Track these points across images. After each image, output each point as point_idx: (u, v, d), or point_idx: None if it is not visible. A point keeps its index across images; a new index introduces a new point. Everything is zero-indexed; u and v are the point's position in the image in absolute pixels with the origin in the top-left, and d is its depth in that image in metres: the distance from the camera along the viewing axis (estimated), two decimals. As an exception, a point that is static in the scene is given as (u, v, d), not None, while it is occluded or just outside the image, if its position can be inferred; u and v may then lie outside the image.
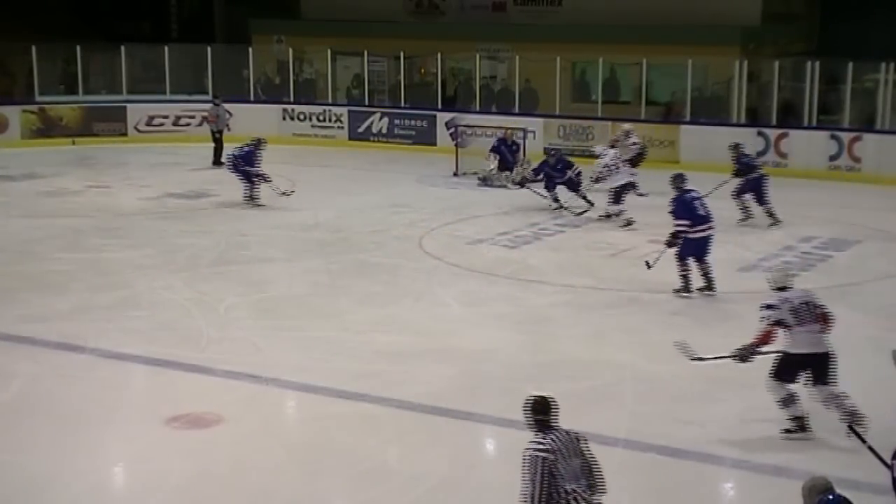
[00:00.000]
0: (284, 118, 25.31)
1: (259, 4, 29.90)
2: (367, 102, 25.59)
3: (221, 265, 13.70)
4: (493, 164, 19.50)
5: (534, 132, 22.11)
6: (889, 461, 6.84)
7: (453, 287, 12.71)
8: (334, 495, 7.59)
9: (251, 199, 17.59)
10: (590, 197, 16.82)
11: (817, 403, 8.22)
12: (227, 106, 23.32)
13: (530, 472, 5.72)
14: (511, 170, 19.38)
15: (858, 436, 7.02)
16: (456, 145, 21.45)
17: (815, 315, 8.42)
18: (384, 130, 24.55)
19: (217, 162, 21.53)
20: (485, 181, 19.49)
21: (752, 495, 7.68)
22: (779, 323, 8.33)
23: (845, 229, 15.77)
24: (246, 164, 17.58)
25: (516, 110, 23.76)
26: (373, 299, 12.14)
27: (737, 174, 16.36)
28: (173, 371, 9.83)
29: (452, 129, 22.83)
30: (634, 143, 19.18)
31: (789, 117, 21.67)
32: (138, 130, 24.72)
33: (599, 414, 8.81)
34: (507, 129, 20.07)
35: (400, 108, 25.06)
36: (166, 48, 25.52)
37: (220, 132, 21.76)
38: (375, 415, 8.86)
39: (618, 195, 16.23)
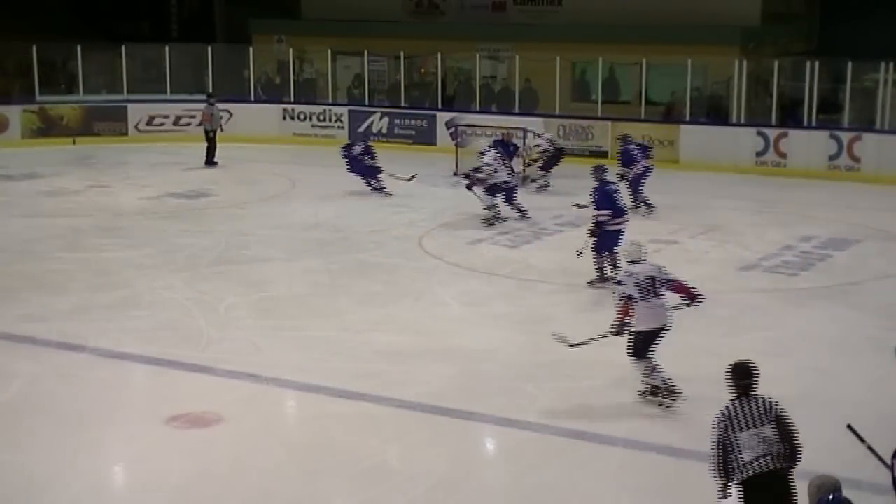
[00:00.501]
0: (284, 118, 25.32)
1: (259, 4, 29.91)
2: (367, 102, 25.59)
3: (221, 265, 13.71)
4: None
5: (534, 132, 22.08)
6: (889, 461, 6.83)
7: (453, 287, 12.71)
8: (334, 495, 7.59)
9: (381, 190, 18.41)
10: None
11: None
12: (227, 106, 23.38)
13: (711, 440, 6.33)
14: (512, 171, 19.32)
15: (857, 435, 7.01)
16: (456, 145, 21.46)
17: (659, 290, 8.96)
18: (384, 130, 24.56)
19: (210, 162, 21.53)
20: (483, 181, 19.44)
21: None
22: (628, 298, 8.91)
23: (845, 229, 15.78)
24: (370, 159, 18.52)
25: (516, 110, 23.77)
26: (373, 299, 12.14)
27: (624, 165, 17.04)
28: (173, 371, 9.84)
29: (452, 129, 22.84)
30: (539, 146, 19.37)
31: (794, 111, 21.65)
32: (139, 130, 24.73)
33: (599, 414, 8.82)
34: (505, 129, 20.05)
35: (400, 107, 25.07)
36: (166, 48, 25.53)
37: (214, 132, 21.75)
38: (375, 415, 8.86)
39: (491, 189, 16.18)
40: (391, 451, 8.21)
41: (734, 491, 6.20)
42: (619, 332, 8.99)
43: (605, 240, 12.57)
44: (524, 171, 19.74)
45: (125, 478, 8.02)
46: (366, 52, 25.40)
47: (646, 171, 17.03)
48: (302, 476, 7.77)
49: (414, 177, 18.69)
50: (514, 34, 25.54)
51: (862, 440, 7.05)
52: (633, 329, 8.94)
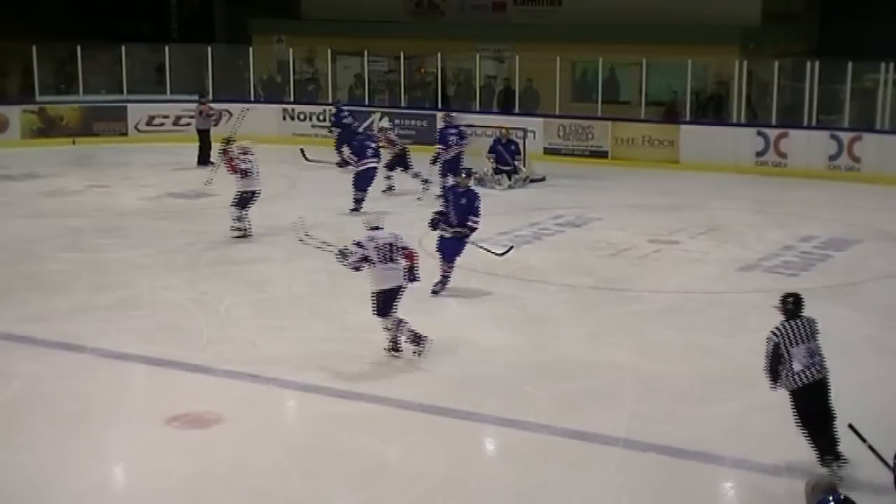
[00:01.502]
0: (284, 118, 25.31)
1: (259, 4, 29.89)
2: (367, 102, 25.59)
3: (221, 265, 13.70)
4: (488, 165, 19.48)
5: (534, 132, 22.12)
6: (891, 462, 6.83)
7: (453, 287, 12.70)
8: (334, 495, 7.59)
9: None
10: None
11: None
12: (227, 106, 23.35)
13: (766, 350, 7.61)
14: (511, 167, 19.36)
15: (858, 435, 7.01)
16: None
17: (396, 254, 10.31)
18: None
19: (203, 161, 21.52)
20: (480, 182, 19.49)
21: (752, 495, 7.68)
22: (365, 259, 10.24)
23: (845, 229, 15.77)
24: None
25: (516, 110, 23.77)
26: (373, 299, 12.12)
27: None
28: (173, 371, 9.84)
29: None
30: (391, 141, 19.03)
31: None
32: (138, 130, 24.72)
33: (599, 414, 8.82)
34: (503, 128, 20.05)
35: (400, 108, 25.06)
36: (166, 48, 25.53)
37: (207, 131, 21.77)
38: (375, 415, 8.86)
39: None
40: (391, 451, 8.21)
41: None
42: (341, 255, 10.54)
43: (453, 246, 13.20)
44: (524, 169, 19.75)
45: (125, 478, 8.02)
46: (366, 53, 25.40)
47: (458, 157, 18.09)
48: (302, 476, 7.77)
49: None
50: (514, 34, 25.53)
51: (863, 440, 7.05)
52: (373, 290, 10.16)
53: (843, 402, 8.99)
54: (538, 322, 11.34)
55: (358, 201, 16.93)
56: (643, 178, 20.35)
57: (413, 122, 24.38)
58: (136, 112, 24.76)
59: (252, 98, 25.97)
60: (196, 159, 21.61)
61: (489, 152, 19.56)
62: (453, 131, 18.73)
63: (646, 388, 9.39)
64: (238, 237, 15.14)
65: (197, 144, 21.82)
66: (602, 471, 7.85)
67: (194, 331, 10.92)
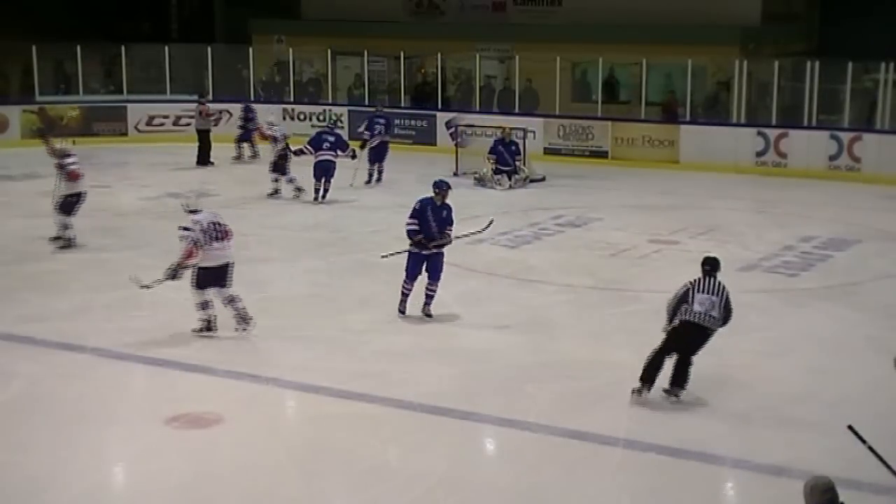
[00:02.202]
0: (285, 118, 25.30)
1: (259, 4, 29.90)
2: (367, 102, 25.59)
3: (221, 265, 13.67)
4: (488, 165, 19.47)
5: (534, 132, 22.12)
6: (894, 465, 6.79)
7: (453, 287, 12.68)
8: (334, 495, 7.59)
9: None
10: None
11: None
12: (227, 106, 23.36)
13: (675, 293, 9.25)
14: (511, 168, 19.36)
15: (858, 436, 7.00)
16: (456, 145, 21.46)
17: (221, 233, 10.77)
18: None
19: (202, 162, 21.52)
20: (480, 182, 19.51)
21: (752, 495, 7.68)
22: (196, 242, 10.48)
23: (845, 229, 15.78)
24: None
25: (516, 110, 23.77)
26: (373, 299, 12.13)
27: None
28: (173, 371, 9.84)
29: (452, 129, 22.84)
30: (272, 131, 18.86)
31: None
32: (138, 130, 24.73)
33: (599, 414, 8.82)
34: (504, 128, 20.06)
35: (400, 108, 25.07)
36: (166, 48, 25.53)
37: (207, 131, 21.78)
38: (375, 415, 8.86)
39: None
40: (391, 451, 8.21)
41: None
42: (174, 276, 10.56)
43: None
44: (524, 168, 19.75)
45: (125, 478, 8.02)
46: (366, 53, 25.40)
47: (384, 146, 19.27)
48: (302, 476, 7.77)
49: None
50: (514, 34, 25.55)
51: (863, 441, 7.04)
52: (197, 265, 10.58)
53: (844, 403, 9.02)
54: (538, 322, 11.34)
55: (316, 191, 17.94)
56: (643, 178, 20.36)
57: (413, 122, 24.39)
58: (136, 112, 24.77)
59: (252, 98, 25.97)
60: (195, 159, 21.63)
61: (490, 153, 19.56)
62: (382, 121, 20.06)
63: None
64: (61, 248, 14.14)
65: (196, 144, 21.83)
66: (602, 471, 7.85)
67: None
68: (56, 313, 11.48)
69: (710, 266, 9.24)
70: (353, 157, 18.60)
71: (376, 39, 25.73)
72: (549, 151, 22.52)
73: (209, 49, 25.53)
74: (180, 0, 33.49)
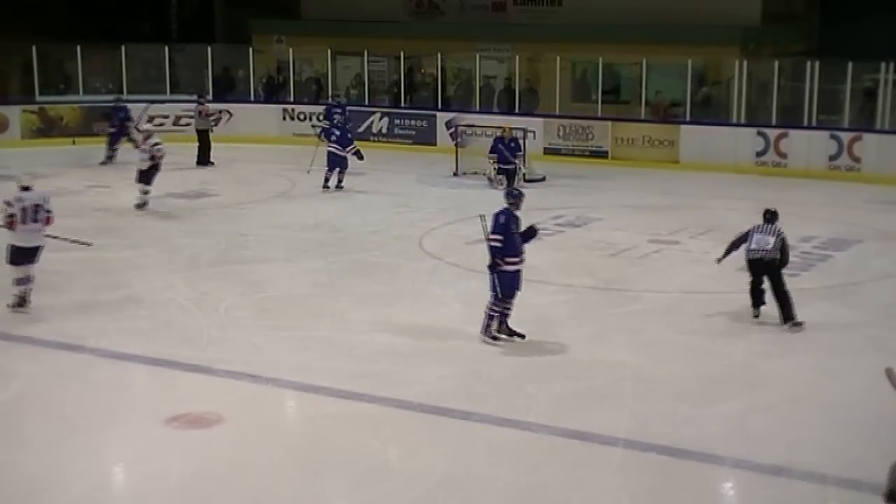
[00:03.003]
0: (284, 118, 25.32)
1: (259, 4, 29.91)
2: (367, 102, 25.60)
3: (221, 265, 13.71)
4: (490, 165, 19.47)
5: (534, 132, 22.12)
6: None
7: (453, 287, 12.71)
8: (334, 495, 7.59)
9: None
10: None
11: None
12: (227, 106, 23.35)
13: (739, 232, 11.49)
14: (513, 166, 19.27)
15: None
16: (456, 145, 21.46)
17: (40, 217, 11.17)
18: (384, 130, 24.57)
19: (202, 162, 21.51)
20: (491, 182, 19.49)
21: (752, 495, 7.68)
22: (13, 217, 10.95)
23: (845, 229, 15.77)
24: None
25: (516, 110, 23.77)
26: (373, 299, 12.14)
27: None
28: (173, 371, 9.83)
29: (452, 129, 22.85)
30: (145, 136, 17.65)
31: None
32: (138, 130, 24.66)
33: (599, 414, 8.82)
34: (504, 127, 20.06)
35: (400, 108, 25.07)
36: (166, 48, 25.53)
37: (206, 131, 21.77)
38: (375, 415, 8.86)
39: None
40: (391, 451, 8.21)
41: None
42: None
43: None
44: (523, 168, 19.73)
45: (125, 478, 8.02)
46: (366, 53, 25.40)
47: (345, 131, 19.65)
48: (302, 476, 7.77)
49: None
50: (514, 34, 25.55)
51: None
52: (8, 243, 11.16)
53: (844, 403, 9.03)
54: (538, 322, 11.33)
55: (326, 180, 18.89)
56: (643, 178, 20.36)
57: (413, 122, 24.40)
58: (136, 112, 24.70)
59: (252, 98, 25.98)
60: (195, 159, 21.63)
61: (490, 152, 19.56)
62: (338, 110, 21.47)
63: (646, 388, 9.39)
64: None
65: (196, 145, 21.83)
66: (602, 471, 7.85)
67: (194, 331, 10.92)
68: (56, 313, 11.48)
69: (770, 215, 11.48)
70: (360, 158, 19.02)
71: (376, 39, 25.74)
72: (549, 151, 22.52)
73: (209, 49, 25.52)
74: (180, 0, 33.47)
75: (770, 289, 11.23)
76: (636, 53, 22.68)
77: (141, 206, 16.96)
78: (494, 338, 10.44)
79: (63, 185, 19.12)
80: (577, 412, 8.88)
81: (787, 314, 11.00)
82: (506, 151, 19.39)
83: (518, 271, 10.44)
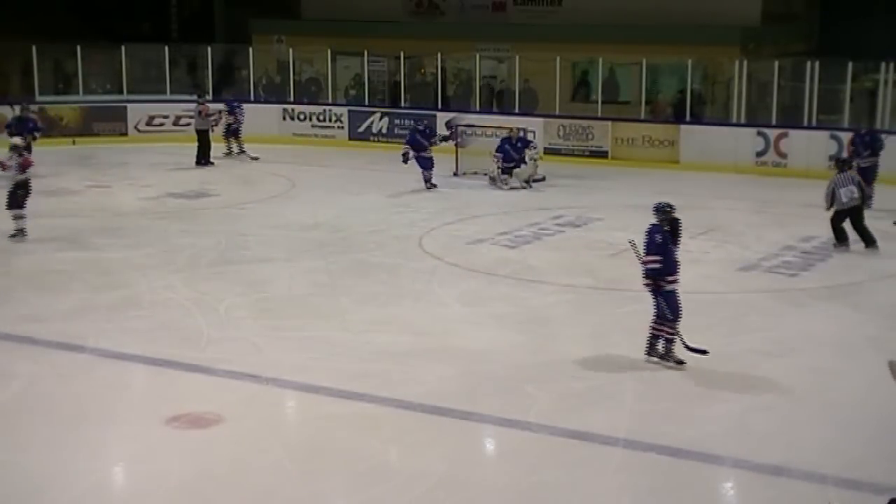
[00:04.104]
0: (284, 118, 25.32)
1: (259, 4, 29.93)
2: (367, 102, 25.59)
3: (221, 265, 13.71)
4: (494, 165, 19.47)
5: (534, 132, 22.11)
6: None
7: (453, 287, 12.71)
8: (334, 495, 7.59)
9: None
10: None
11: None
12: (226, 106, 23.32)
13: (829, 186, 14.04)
14: (514, 164, 19.26)
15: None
16: (456, 145, 21.44)
17: None
18: (384, 130, 24.56)
19: (202, 161, 21.49)
20: (493, 182, 19.48)
21: (752, 495, 7.68)
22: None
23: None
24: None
25: (516, 110, 23.77)
26: (373, 299, 12.14)
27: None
28: (173, 371, 9.83)
29: (452, 129, 22.82)
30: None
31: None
32: (138, 130, 24.73)
33: (599, 414, 8.82)
34: (512, 128, 20.05)
35: (400, 108, 25.07)
36: (166, 48, 25.54)
37: (206, 131, 21.78)
38: (375, 415, 8.86)
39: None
40: (391, 451, 8.21)
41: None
42: None
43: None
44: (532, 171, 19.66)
45: (125, 478, 8.01)
46: (366, 53, 25.40)
47: (235, 125, 20.48)
48: (302, 476, 7.77)
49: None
50: (514, 34, 25.55)
51: None
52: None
53: (844, 403, 9.03)
54: (538, 322, 11.34)
55: (426, 180, 19.30)
56: (643, 178, 20.35)
57: (413, 123, 24.36)
58: (136, 112, 24.77)
59: (252, 98, 25.98)
60: (195, 159, 21.63)
61: (497, 151, 19.44)
62: (237, 105, 22.77)
63: (646, 388, 9.39)
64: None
65: (196, 145, 21.83)
66: (602, 471, 7.85)
67: (194, 331, 10.92)
68: (56, 313, 11.48)
69: (843, 162, 14.94)
70: (444, 139, 20.29)
71: (376, 39, 25.73)
72: (549, 151, 22.47)
73: (209, 49, 25.52)
74: (180, 0, 33.48)
75: (851, 226, 14.37)
76: (636, 53, 22.68)
77: (15, 234, 14.76)
78: (662, 357, 9.80)
79: (63, 185, 19.15)
80: (577, 412, 8.88)
81: (868, 240, 14.29)
82: (512, 151, 19.33)
83: (676, 290, 9.76)
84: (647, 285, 9.75)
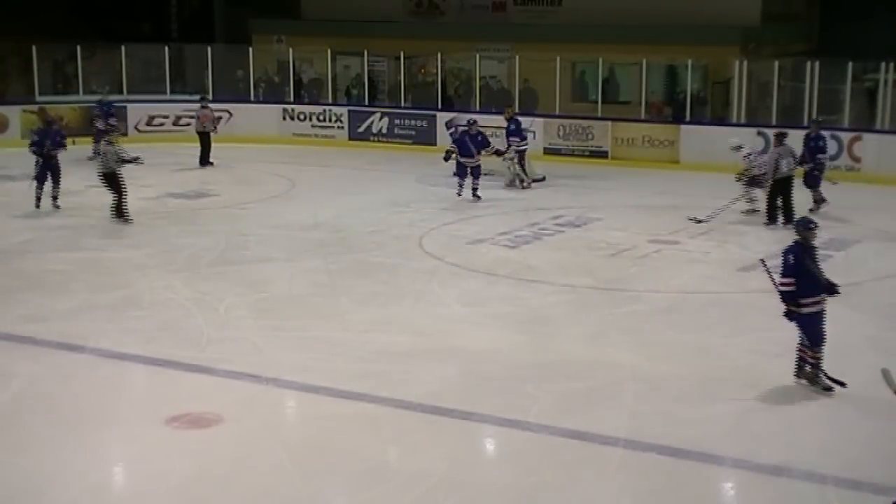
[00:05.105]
0: (284, 118, 25.32)
1: (259, 4, 29.91)
2: (367, 102, 25.59)
3: (221, 265, 13.71)
4: (513, 163, 19.25)
5: (534, 132, 22.12)
6: None
7: (453, 287, 12.71)
8: (334, 495, 7.59)
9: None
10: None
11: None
12: (227, 106, 23.35)
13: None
14: (474, 160, 18.26)
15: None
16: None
17: None
18: (384, 130, 24.56)
19: (205, 162, 21.50)
20: (511, 183, 19.35)
21: (752, 495, 7.68)
22: None
23: (845, 229, 15.77)
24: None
25: (516, 110, 23.73)
26: (373, 299, 12.14)
27: None
28: (173, 371, 9.83)
29: (452, 129, 22.83)
30: None
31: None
32: (138, 130, 24.73)
33: (599, 414, 8.82)
34: (509, 107, 20.08)
35: (400, 108, 25.07)
36: (166, 48, 25.54)
37: (201, 134, 21.72)
38: (375, 415, 8.86)
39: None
40: (391, 451, 8.21)
41: None
42: None
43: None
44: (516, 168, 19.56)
45: (125, 478, 8.02)
46: (366, 53, 25.40)
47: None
48: (302, 476, 7.77)
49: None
50: (514, 34, 25.55)
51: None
52: None
53: (843, 403, 9.02)
54: (538, 322, 11.34)
55: (460, 185, 18.25)
56: (643, 178, 20.36)
57: (413, 122, 24.39)
58: (136, 112, 24.76)
59: (252, 98, 25.98)
60: (198, 160, 21.61)
61: (453, 142, 18.66)
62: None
63: (646, 388, 9.39)
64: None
65: (197, 146, 21.83)
66: (602, 471, 7.85)
67: (194, 331, 10.92)
68: (56, 313, 11.49)
69: (782, 135, 15.96)
70: (498, 153, 19.05)
71: (376, 39, 25.74)
72: (549, 151, 22.52)
73: (209, 49, 25.52)
74: (180, 0, 33.48)
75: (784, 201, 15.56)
76: (636, 53, 22.68)
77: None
78: (810, 382, 9.25)
79: (63, 186, 19.11)
80: (577, 412, 8.88)
81: (790, 217, 15.06)
82: (470, 144, 18.14)
83: (820, 312, 9.16)
84: (784, 311, 9.14)
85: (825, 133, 17.64)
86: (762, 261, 9.56)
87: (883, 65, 20.75)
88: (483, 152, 18.33)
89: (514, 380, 9.54)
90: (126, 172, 20.97)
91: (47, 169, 17.02)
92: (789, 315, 9.11)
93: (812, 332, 9.10)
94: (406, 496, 7.45)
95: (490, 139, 19.08)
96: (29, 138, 18.23)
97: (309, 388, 9.43)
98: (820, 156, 17.05)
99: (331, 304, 12.00)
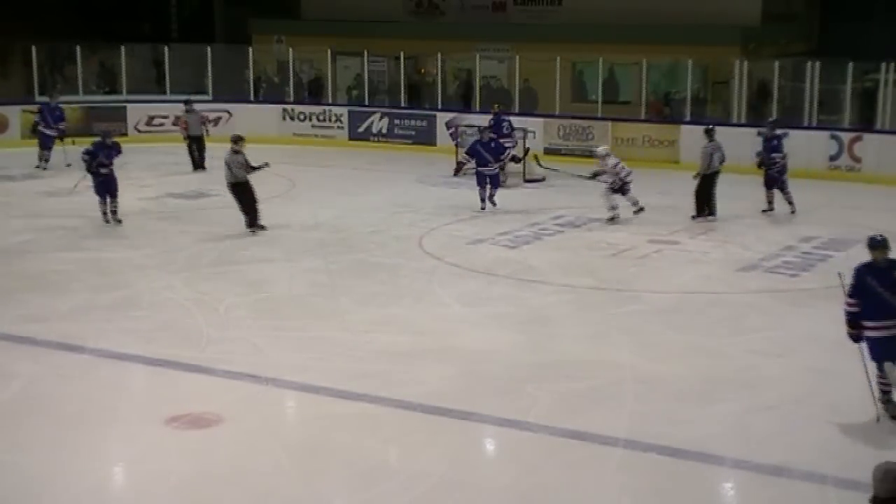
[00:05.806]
0: (284, 118, 25.32)
1: (259, 4, 29.92)
2: (366, 102, 25.60)
3: (221, 265, 13.70)
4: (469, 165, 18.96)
5: (534, 132, 22.12)
6: None
7: (453, 287, 12.71)
8: (334, 495, 7.59)
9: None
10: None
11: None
12: (227, 106, 23.33)
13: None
14: (492, 169, 18.31)
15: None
16: (456, 145, 21.43)
17: None
18: (384, 130, 24.56)
19: (198, 166, 21.43)
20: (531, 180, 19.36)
21: (752, 495, 7.68)
22: None
23: (845, 229, 15.75)
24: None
25: (516, 110, 23.76)
26: (373, 299, 12.14)
27: None
28: (173, 371, 9.83)
29: (452, 129, 22.85)
30: None
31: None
32: (138, 130, 24.72)
33: (599, 414, 8.81)
34: (496, 103, 20.08)
35: (400, 108, 25.07)
36: (166, 48, 25.54)
37: (192, 138, 21.51)
38: (375, 415, 8.86)
39: None
40: (391, 451, 8.21)
41: None
42: None
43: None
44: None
45: (125, 478, 8.02)
46: (366, 53, 25.40)
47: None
48: (302, 476, 7.77)
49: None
50: (514, 34, 25.55)
51: None
52: None
53: (844, 403, 9.01)
54: (538, 322, 11.34)
55: (482, 199, 17.34)
56: (643, 178, 20.30)
57: (413, 122, 24.39)
58: (136, 112, 24.76)
59: (252, 98, 25.98)
60: (199, 163, 21.59)
61: (467, 153, 18.03)
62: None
63: (646, 388, 9.39)
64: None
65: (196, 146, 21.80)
66: (602, 471, 7.85)
67: (194, 331, 10.92)
68: (56, 313, 11.48)
69: (712, 130, 16.33)
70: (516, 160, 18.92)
71: (376, 39, 25.74)
72: (549, 151, 22.48)
73: (209, 49, 25.52)
74: (180, 0, 33.49)
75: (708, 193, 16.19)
76: (636, 53, 22.68)
77: None
78: (885, 405, 8.58)
79: (63, 186, 19.13)
80: (577, 412, 8.88)
81: (713, 209, 16.11)
82: (485, 152, 17.55)
83: (886, 339, 8.44)
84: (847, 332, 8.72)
85: (780, 132, 17.59)
86: (839, 274, 9.13)
87: (883, 65, 20.74)
88: (501, 158, 17.66)
89: (514, 380, 9.54)
90: (126, 173, 21.06)
91: (102, 184, 16.11)
92: (852, 337, 8.69)
93: (877, 356, 8.55)
94: (406, 496, 7.45)
95: (505, 144, 18.49)
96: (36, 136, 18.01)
97: (309, 389, 9.43)
98: (775, 155, 16.88)
99: (331, 304, 12.00)
